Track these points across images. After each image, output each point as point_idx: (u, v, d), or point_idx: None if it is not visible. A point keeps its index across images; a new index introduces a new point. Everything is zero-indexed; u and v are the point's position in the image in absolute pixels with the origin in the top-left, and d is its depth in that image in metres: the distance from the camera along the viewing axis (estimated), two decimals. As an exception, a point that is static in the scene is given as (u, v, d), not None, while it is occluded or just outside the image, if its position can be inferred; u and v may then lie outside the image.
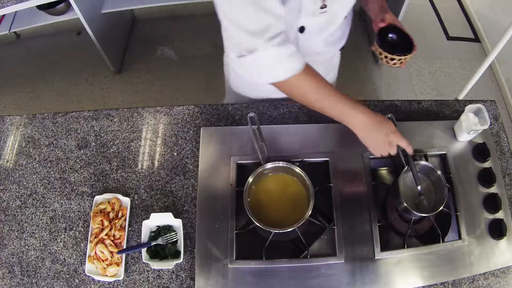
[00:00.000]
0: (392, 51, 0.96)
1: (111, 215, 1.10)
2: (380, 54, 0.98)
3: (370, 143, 0.96)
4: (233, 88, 1.35)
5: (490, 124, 1.20)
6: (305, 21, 0.92)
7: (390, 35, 0.98)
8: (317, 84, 0.91)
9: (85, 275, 1.06)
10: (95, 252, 1.06)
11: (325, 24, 0.96)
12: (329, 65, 1.29)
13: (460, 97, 2.05)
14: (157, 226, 1.09)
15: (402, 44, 0.98)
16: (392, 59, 0.97)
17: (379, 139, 0.94)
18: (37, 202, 1.17)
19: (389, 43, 0.98)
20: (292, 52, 0.87)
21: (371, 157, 1.14)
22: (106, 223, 1.09)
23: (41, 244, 1.12)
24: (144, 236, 1.07)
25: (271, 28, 0.83)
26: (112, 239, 1.08)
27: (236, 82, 1.31)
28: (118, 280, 1.05)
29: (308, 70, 0.91)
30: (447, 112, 1.29)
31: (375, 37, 0.99)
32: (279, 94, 0.99)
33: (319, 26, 0.96)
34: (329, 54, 1.09)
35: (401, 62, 0.98)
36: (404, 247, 1.05)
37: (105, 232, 1.08)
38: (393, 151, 0.96)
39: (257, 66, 0.89)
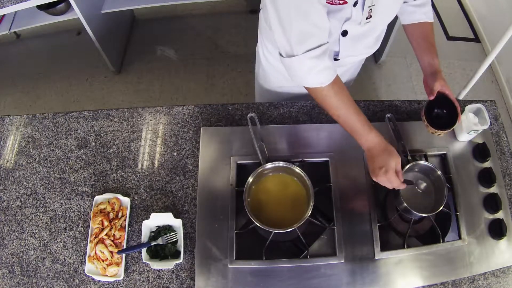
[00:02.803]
0: (438, 122, 1.08)
1: (111, 215, 1.10)
2: (427, 126, 1.08)
3: (370, 166, 0.99)
4: (261, 83, 1.40)
5: (490, 124, 1.20)
6: (349, 27, 0.97)
7: (436, 110, 1.11)
8: (339, 102, 0.95)
9: (85, 275, 1.06)
10: (95, 252, 1.06)
11: (367, 32, 1.01)
12: (358, 66, 1.36)
13: (460, 97, 2.04)
14: (157, 226, 1.09)
15: (447, 113, 1.09)
16: (436, 131, 1.07)
17: (376, 166, 0.97)
18: (37, 202, 1.17)
19: (436, 114, 1.11)
20: (325, 66, 0.91)
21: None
22: (106, 223, 1.09)
23: (41, 244, 1.12)
24: (144, 236, 1.07)
25: (312, 39, 0.87)
26: (112, 239, 1.08)
27: (266, 76, 1.35)
28: (118, 280, 1.05)
29: (337, 85, 0.94)
30: (447, 112, 1.29)
31: (424, 108, 1.09)
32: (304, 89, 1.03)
33: (362, 33, 1.01)
34: (364, 56, 1.13)
35: (444, 132, 1.09)
36: (404, 247, 1.05)
37: (105, 232, 1.08)
38: (389, 185, 0.97)
39: (290, 70, 0.95)
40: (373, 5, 0.91)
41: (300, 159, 1.14)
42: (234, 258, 1.03)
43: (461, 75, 2.58)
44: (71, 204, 1.16)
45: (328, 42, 0.90)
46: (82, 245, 1.11)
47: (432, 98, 1.05)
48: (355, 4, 0.89)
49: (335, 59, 1.10)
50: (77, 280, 1.07)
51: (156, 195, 1.16)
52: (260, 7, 1.17)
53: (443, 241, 1.05)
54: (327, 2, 0.86)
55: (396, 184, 0.96)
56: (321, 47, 0.89)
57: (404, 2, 1.07)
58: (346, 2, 0.87)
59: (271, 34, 1.13)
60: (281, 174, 1.08)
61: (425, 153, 1.16)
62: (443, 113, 1.10)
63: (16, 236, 1.13)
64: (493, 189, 1.14)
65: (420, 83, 2.57)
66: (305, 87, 0.98)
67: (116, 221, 1.10)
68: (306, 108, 1.28)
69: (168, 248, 1.06)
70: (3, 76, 2.71)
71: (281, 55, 0.94)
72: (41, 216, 1.15)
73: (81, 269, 1.08)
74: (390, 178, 0.95)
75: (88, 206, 1.15)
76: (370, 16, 0.94)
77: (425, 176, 1.10)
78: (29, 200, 1.18)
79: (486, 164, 1.17)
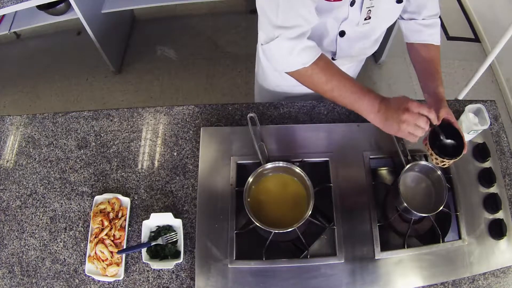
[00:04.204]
0: (443, 151, 0.97)
1: (111, 215, 1.10)
2: (431, 154, 0.99)
3: (388, 129, 0.89)
4: (260, 82, 1.40)
5: (490, 124, 1.20)
6: (347, 27, 0.95)
7: (442, 137, 0.98)
8: (327, 77, 0.90)
9: (85, 275, 1.06)
10: (95, 252, 1.06)
11: (365, 33, 0.99)
12: (358, 66, 1.35)
13: (460, 97, 2.04)
14: (157, 226, 1.09)
15: (451, 143, 0.98)
16: (442, 161, 0.99)
17: (394, 123, 0.86)
18: (37, 202, 1.17)
19: (440, 144, 0.99)
20: (306, 46, 0.88)
21: (371, 157, 1.14)
22: (106, 223, 1.09)
23: (41, 244, 1.12)
24: (144, 236, 1.07)
25: (296, 28, 0.86)
26: (112, 239, 1.08)
27: (265, 75, 1.35)
28: (118, 280, 1.05)
29: (322, 61, 0.90)
30: (447, 112, 1.29)
31: (428, 136, 0.98)
32: (302, 88, 1.01)
33: (360, 34, 0.99)
34: (361, 57, 1.11)
35: (449, 162, 0.99)
36: (404, 247, 1.05)
37: (105, 232, 1.08)
38: (418, 132, 0.86)
39: (272, 55, 0.93)
40: (372, 6, 0.90)
41: (300, 159, 1.14)
42: (234, 258, 1.03)
43: (461, 75, 2.58)
44: (71, 204, 1.16)
45: (309, 27, 0.89)
46: (82, 245, 1.11)
47: (437, 123, 0.95)
48: (352, 4, 0.88)
49: (332, 59, 1.09)
50: (77, 280, 1.07)
51: (156, 195, 1.16)
52: None
53: (443, 241, 1.05)
54: None
55: (422, 123, 0.83)
56: (299, 29, 0.87)
57: (411, 19, 1.03)
58: None
59: None
60: (281, 174, 1.08)
61: (425, 153, 1.16)
62: (447, 143, 0.99)
63: (16, 236, 1.13)
64: (493, 189, 1.14)
65: (420, 83, 2.58)
66: (291, 75, 0.94)
67: (116, 221, 1.10)
68: (306, 108, 1.28)
69: (168, 248, 1.06)
70: (3, 76, 2.71)
71: (262, 44, 0.92)
72: (41, 216, 1.15)
73: (81, 269, 1.08)
74: (414, 121, 0.82)
75: (88, 206, 1.15)
76: (369, 18, 0.92)
77: (425, 176, 1.10)
78: (29, 200, 1.18)
79: (486, 164, 1.17)
